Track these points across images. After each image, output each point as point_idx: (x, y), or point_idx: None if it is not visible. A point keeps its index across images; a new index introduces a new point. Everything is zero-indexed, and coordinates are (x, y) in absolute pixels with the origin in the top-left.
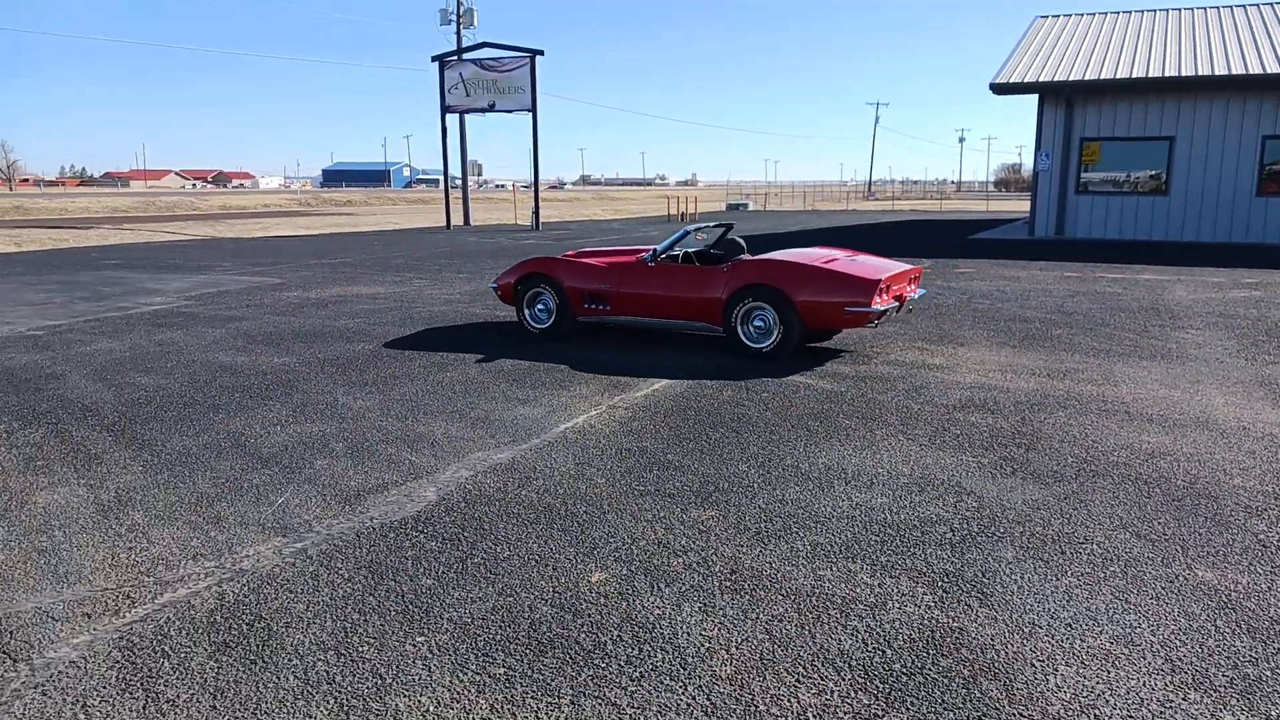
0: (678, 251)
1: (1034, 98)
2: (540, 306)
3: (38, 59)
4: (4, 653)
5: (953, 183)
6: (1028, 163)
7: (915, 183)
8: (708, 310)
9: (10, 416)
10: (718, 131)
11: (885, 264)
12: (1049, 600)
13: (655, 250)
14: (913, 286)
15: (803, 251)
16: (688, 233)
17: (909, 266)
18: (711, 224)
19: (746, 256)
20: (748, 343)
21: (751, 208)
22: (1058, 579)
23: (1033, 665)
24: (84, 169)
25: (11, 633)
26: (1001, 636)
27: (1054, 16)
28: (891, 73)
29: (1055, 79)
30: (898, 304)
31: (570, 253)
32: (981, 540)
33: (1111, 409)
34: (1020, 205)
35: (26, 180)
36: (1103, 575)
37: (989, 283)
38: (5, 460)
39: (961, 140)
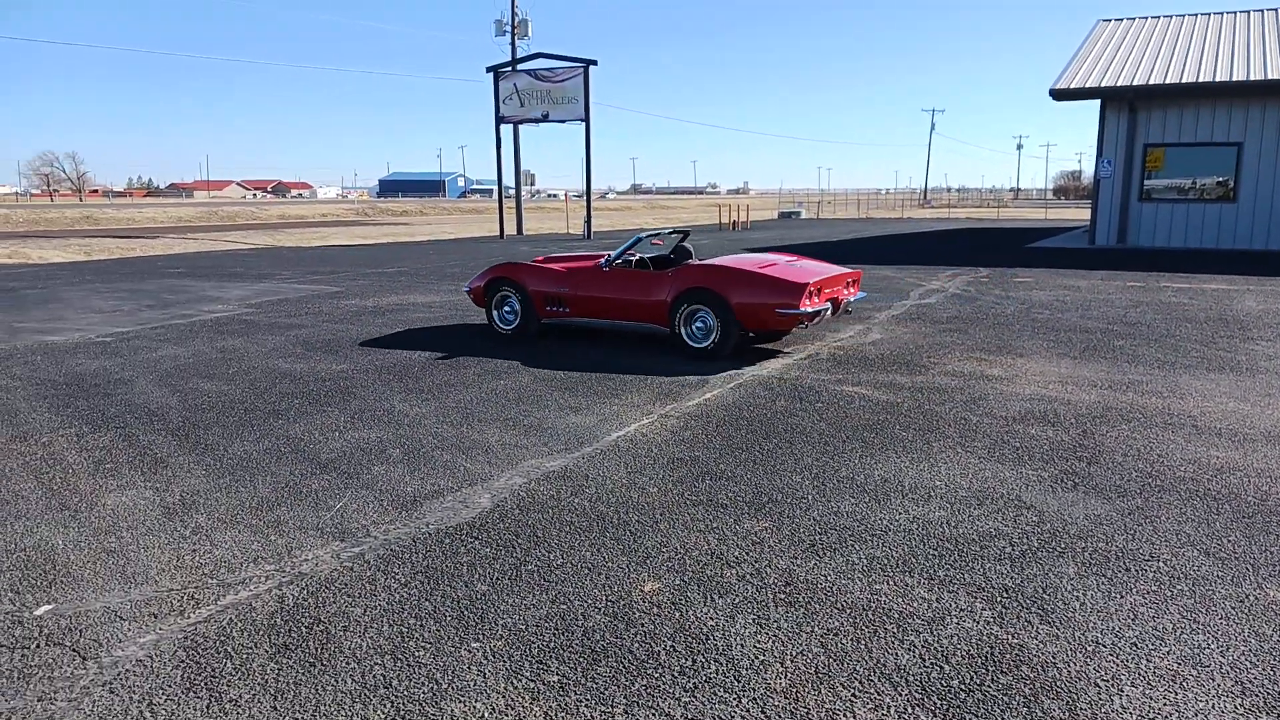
0: (633, 256)
1: (1095, 103)
2: (507, 309)
3: (105, 72)
4: (75, 650)
5: (1010, 190)
6: (1088, 170)
7: (971, 190)
8: (655, 312)
9: (81, 420)
10: (770, 139)
11: (821, 268)
12: (1113, 619)
13: (609, 256)
14: (850, 290)
15: (744, 257)
16: (639, 239)
17: (845, 271)
18: (668, 230)
19: (693, 262)
20: (690, 342)
21: (804, 215)
22: (1122, 597)
23: (1096, 685)
24: (150, 180)
25: (81, 631)
26: (1064, 655)
27: (1117, 20)
28: (948, 79)
29: (1118, 84)
30: (832, 306)
31: (539, 258)
32: (1042, 556)
33: (1178, 422)
34: (1080, 213)
35: (96, 191)
36: (1169, 594)
37: (1048, 292)
38: (76, 463)
39: (1019, 147)
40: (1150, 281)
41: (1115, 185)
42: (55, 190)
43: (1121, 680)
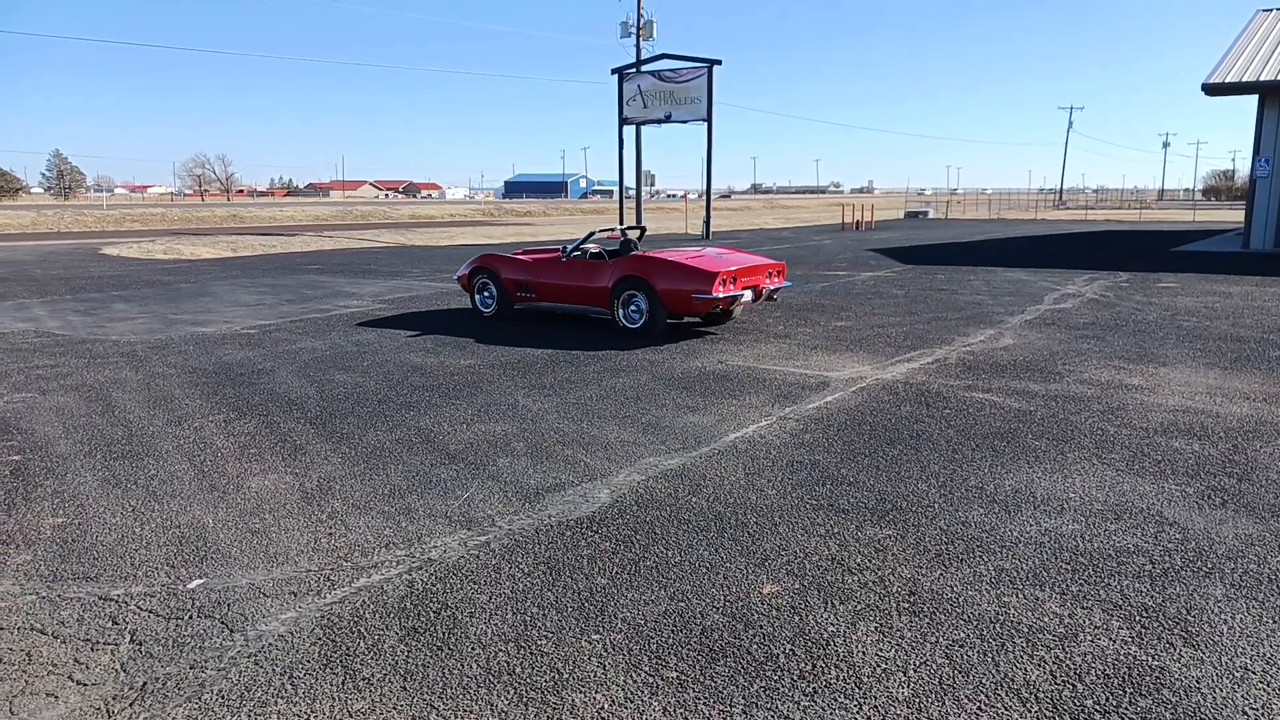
0: (590, 248)
1: (1253, 99)
2: (487, 294)
3: (253, 77)
4: (223, 623)
5: (1153, 190)
6: (1242, 169)
7: (1111, 190)
8: (599, 297)
9: (228, 408)
10: (895, 137)
11: (741, 259)
12: (1264, 644)
13: (566, 248)
14: (774, 280)
15: (683, 250)
16: (592, 234)
17: (768, 262)
18: (626, 227)
19: (632, 254)
20: (625, 324)
21: (932, 215)
22: (1276, 622)
23: (1245, 714)
24: (290, 180)
25: (229, 605)
26: (1209, 680)
27: (1278, 10)
28: (1087, 76)
29: (1278, 78)
30: (753, 293)
31: (519, 250)
32: (1186, 575)
33: None
34: (1233, 215)
35: (242, 191)
36: None
37: (1196, 298)
38: (225, 447)
39: (1166, 145)
40: None
41: (1273, 185)
42: (206, 190)
43: (1273, 710)
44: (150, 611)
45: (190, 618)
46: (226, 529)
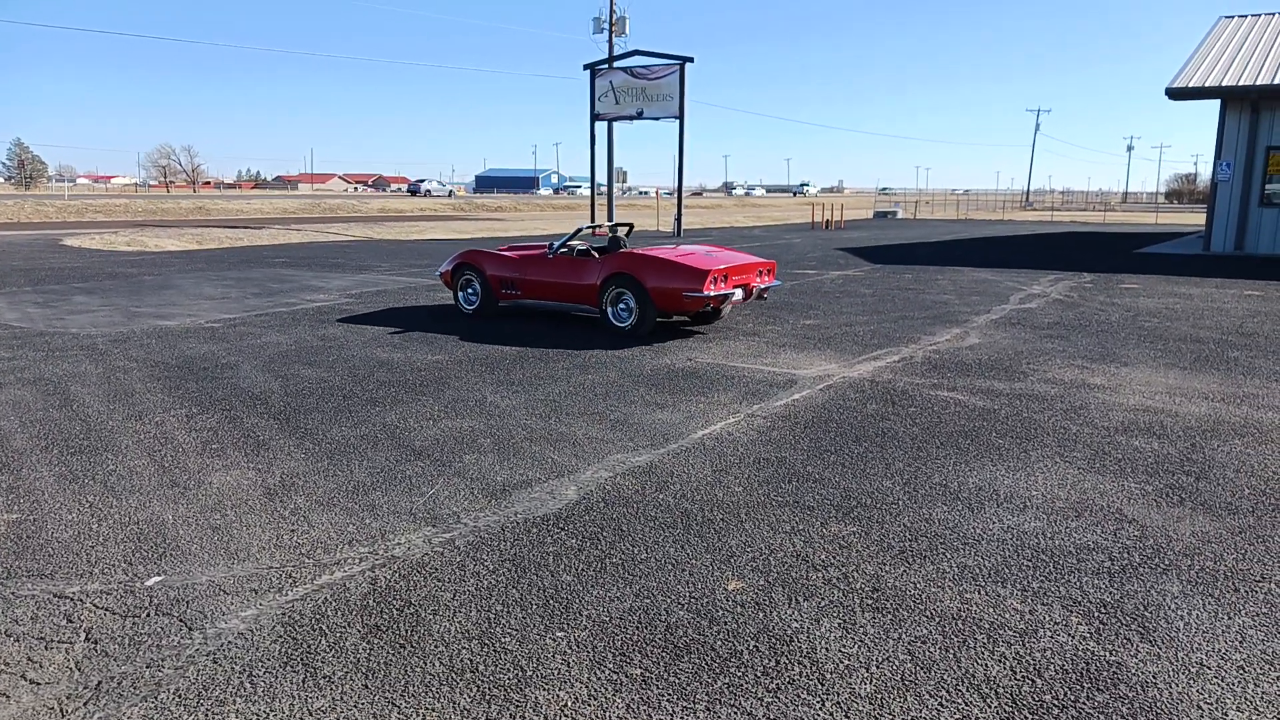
0: (577, 244)
1: (1215, 103)
2: (470, 291)
3: (219, 67)
4: (181, 621)
5: (1118, 193)
6: (1204, 173)
7: (1077, 193)
8: (587, 294)
9: (190, 402)
10: (865, 137)
11: (732, 257)
12: (1219, 640)
13: (553, 245)
14: (765, 278)
15: (671, 248)
16: (580, 230)
17: (758, 260)
18: (614, 224)
19: (621, 251)
20: (615, 323)
21: (901, 215)
22: (1230, 618)
23: (1199, 708)
24: (258, 173)
25: (188, 602)
26: (1165, 675)
27: (1240, 16)
28: (1055, 79)
29: (1240, 83)
30: (743, 292)
31: (503, 246)
32: (1144, 572)
33: None
34: (1194, 218)
35: (208, 183)
36: None
37: (1157, 299)
38: (186, 442)
39: (1130, 149)
40: (1269, 290)
41: (1234, 189)
42: (171, 182)
43: (1226, 704)
44: (106, 609)
45: (148, 615)
46: (187, 525)
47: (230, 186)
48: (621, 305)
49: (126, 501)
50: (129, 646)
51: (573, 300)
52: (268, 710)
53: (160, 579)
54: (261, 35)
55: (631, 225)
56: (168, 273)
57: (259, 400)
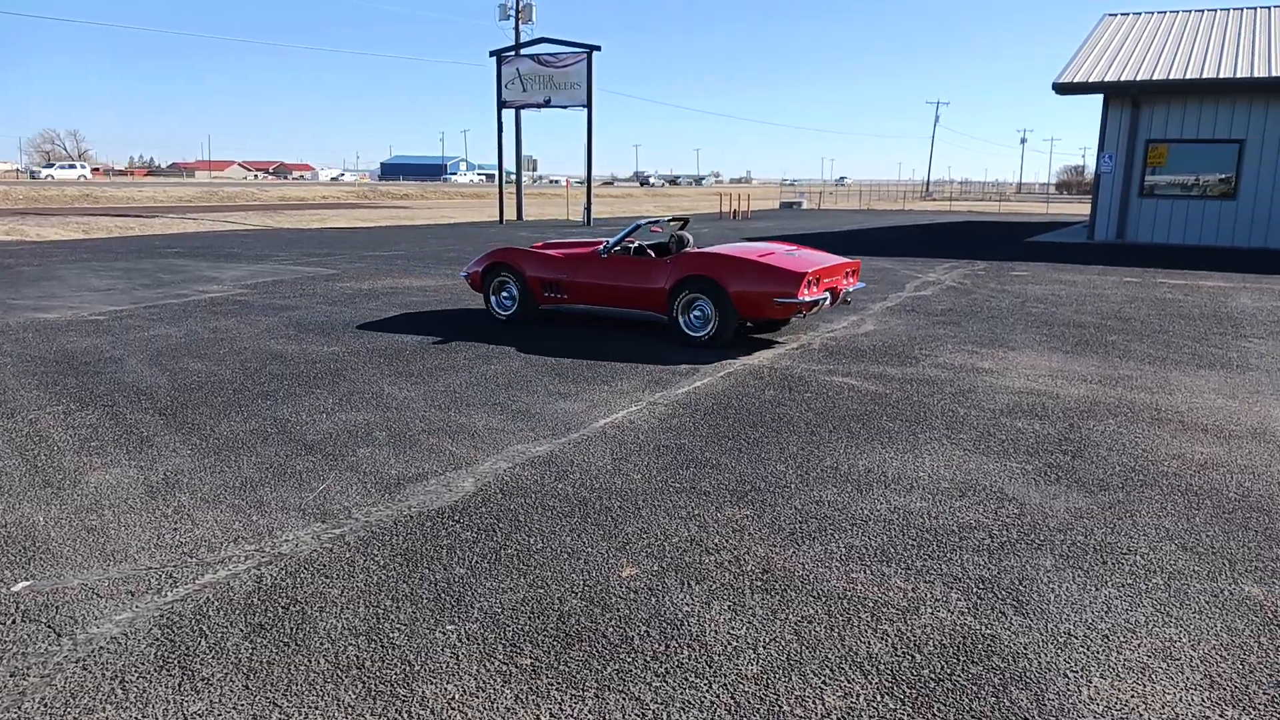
0: (632, 244)
1: (1099, 98)
2: (505, 294)
3: (108, 50)
4: (49, 627)
5: (1013, 184)
6: (1091, 165)
7: (974, 183)
8: (653, 299)
9: (69, 398)
10: (773, 129)
11: (820, 257)
12: (1087, 611)
13: (608, 243)
14: (849, 280)
15: (744, 245)
16: (639, 226)
17: (845, 261)
18: (668, 218)
19: (691, 250)
20: (688, 331)
21: (806, 206)
22: (1097, 589)
23: (1066, 676)
24: (152, 159)
25: (57, 608)
26: (1035, 645)
27: (1123, 15)
28: (954, 72)
29: (1121, 79)
30: (830, 296)
31: (536, 244)
32: (1020, 548)
33: (1164, 418)
34: (1081, 208)
35: (98, 169)
36: (1144, 587)
37: (1044, 286)
38: (61, 440)
39: (1023, 141)
40: (1147, 277)
41: (1116, 181)
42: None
43: (1091, 671)
44: None
45: (13, 622)
46: (59, 527)
47: (121, 173)
48: (696, 312)
49: None
50: None
51: (635, 306)
52: (140, 715)
53: (28, 584)
54: (155, 17)
55: (687, 219)
56: (49, 263)
57: (144, 395)
